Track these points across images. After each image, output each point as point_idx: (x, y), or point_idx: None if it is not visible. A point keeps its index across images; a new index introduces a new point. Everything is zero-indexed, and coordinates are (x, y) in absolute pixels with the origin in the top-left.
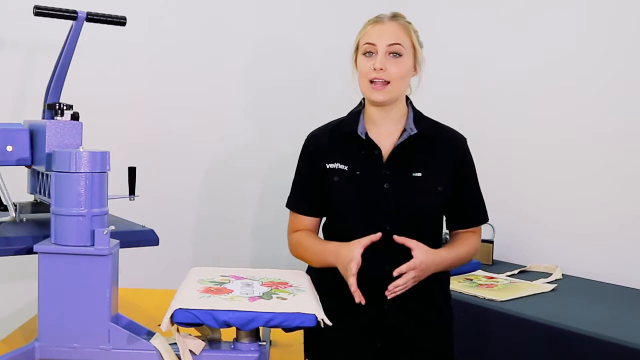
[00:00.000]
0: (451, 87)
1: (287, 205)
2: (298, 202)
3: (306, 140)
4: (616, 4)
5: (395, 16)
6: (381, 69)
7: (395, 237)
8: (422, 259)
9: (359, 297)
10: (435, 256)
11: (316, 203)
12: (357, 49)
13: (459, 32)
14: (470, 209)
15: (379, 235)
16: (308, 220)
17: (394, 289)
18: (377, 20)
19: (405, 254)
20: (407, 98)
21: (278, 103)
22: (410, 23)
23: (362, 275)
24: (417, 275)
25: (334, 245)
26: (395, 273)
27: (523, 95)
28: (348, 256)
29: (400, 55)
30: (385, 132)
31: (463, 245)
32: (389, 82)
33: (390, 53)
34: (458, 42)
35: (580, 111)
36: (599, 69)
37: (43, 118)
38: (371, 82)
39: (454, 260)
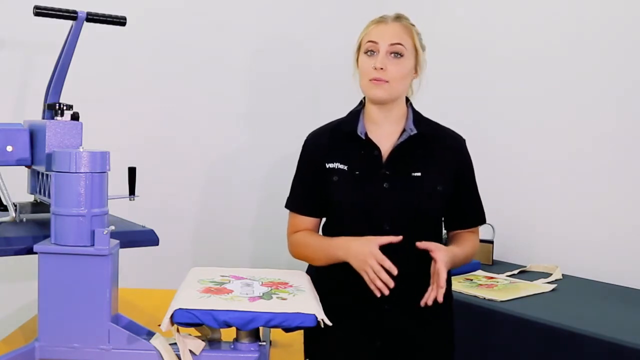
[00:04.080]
0: (451, 88)
1: (287, 206)
2: (298, 202)
3: (306, 141)
4: (616, 5)
5: (398, 17)
6: (381, 69)
7: (418, 244)
8: (445, 259)
9: (387, 291)
10: (450, 253)
11: (316, 203)
12: (359, 47)
13: (458, 32)
14: (468, 210)
15: (399, 238)
16: (308, 221)
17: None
18: (381, 20)
19: (405, 254)
20: (407, 99)
21: (278, 103)
22: (413, 25)
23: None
24: (444, 275)
25: (341, 240)
26: (440, 297)
27: (523, 95)
28: (365, 251)
29: (401, 55)
30: (385, 132)
31: (467, 244)
32: (387, 82)
33: (391, 53)
34: (457, 42)
35: (580, 112)
36: (600, 69)
37: (43, 118)
38: (370, 80)
39: (464, 257)
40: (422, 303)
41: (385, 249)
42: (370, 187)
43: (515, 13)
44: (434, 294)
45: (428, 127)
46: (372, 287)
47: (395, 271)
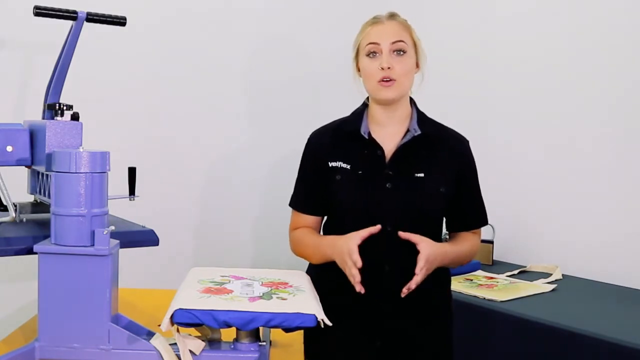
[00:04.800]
0: (451, 87)
1: (290, 204)
2: (301, 200)
3: (309, 139)
4: (617, 5)
5: (392, 15)
6: (389, 68)
7: (400, 234)
8: (429, 252)
9: (359, 287)
10: (440, 248)
11: (318, 202)
12: (358, 51)
13: (458, 31)
14: (470, 212)
15: (378, 227)
16: (310, 219)
17: (409, 289)
18: (376, 21)
19: (406, 254)
20: (411, 99)
21: (279, 103)
22: (406, 20)
23: (362, 275)
24: (427, 268)
25: (330, 238)
26: (413, 285)
27: (523, 95)
28: (344, 247)
29: (404, 52)
30: (389, 132)
31: (465, 243)
32: (395, 80)
33: (394, 51)
34: (457, 42)
35: (581, 112)
36: (600, 69)
37: (43, 118)
38: (378, 81)
39: (457, 255)
40: (404, 293)
41: (385, 249)
42: (373, 187)
43: (515, 13)
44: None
45: (432, 127)
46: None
47: (359, 264)
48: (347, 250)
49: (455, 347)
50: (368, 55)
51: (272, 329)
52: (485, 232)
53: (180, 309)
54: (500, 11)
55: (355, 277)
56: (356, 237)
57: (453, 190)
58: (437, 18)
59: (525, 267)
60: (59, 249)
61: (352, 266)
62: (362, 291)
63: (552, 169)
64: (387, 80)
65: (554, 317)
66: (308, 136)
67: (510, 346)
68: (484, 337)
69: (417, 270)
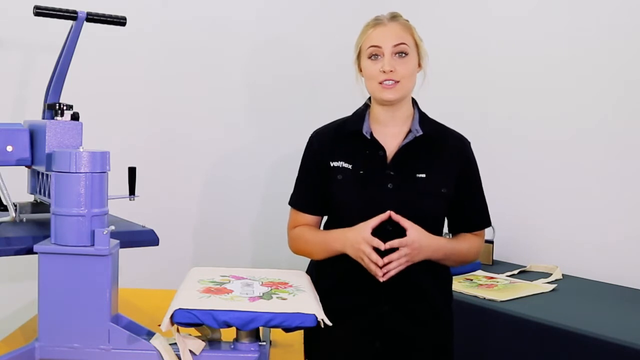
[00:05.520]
0: (451, 88)
1: (290, 203)
2: (301, 199)
3: (310, 138)
4: (615, 3)
5: (394, 16)
6: (391, 71)
7: (393, 215)
8: (415, 238)
9: (381, 273)
10: (430, 239)
11: (319, 201)
12: (359, 53)
13: (457, 31)
14: (472, 213)
15: (387, 214)
16: (309, 219)
17: (388, 262)
18: (377, 22)
19: None
20: (413, 100)
21: (279, 104)
22: (408, 21)
23: (363, 274)
24: (409, 253)
25: (338, 232)
26: (387, 246)
27: (523, 95)
28: (358, 237)
29: (406, 54)
30: (391, 132)
31: (464, 242)
32: (398, 82)
33: (396, 53)
34: (456, 42)
35: (581, 112)
36: (600, 69)
37: (43, 118)
38: (380, 83)
39: (451, 251)
40: (384, 277)
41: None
42: (374, 187)
43: (515, 13)
44: (392, 266)
45: (434, 128)
46: (372, 273)
47: (382, 246)
48: (361, 239)
49: (455, 347)
50: (370, 57)
51: (272, 329)
52: (485, 232)
53: (180, 309)
54: (500, 11)
55: (378, 262)
56: (367, 227)
57: (454, 191)
58: (436, 18)
59: (525, 267)
60: (59, 249)
61: (371, 252)
62: (386, 279)
63: (552, 169)
64: (389, 83)
65: (554, 317)
66: (308, 136)
67: (510, 346)
68: (484, 337)
69: (388, 245)
